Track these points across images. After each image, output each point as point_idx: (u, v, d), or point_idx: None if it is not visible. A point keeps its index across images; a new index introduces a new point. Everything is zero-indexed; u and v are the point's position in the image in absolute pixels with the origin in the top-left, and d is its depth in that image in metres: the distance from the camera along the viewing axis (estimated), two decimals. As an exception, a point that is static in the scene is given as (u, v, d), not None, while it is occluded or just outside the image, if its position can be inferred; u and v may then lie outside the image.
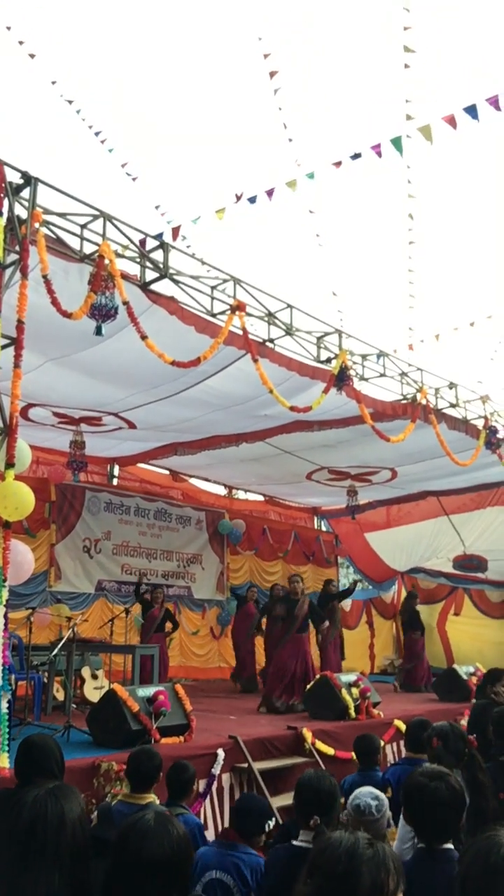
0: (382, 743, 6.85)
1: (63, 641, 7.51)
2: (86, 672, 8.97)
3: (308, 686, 8.76)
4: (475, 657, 12.41)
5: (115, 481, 12.69)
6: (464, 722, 7.21)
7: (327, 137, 8.73)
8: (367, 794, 3.64)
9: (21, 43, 7.85)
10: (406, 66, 7.28)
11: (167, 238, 7.03)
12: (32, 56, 7.92)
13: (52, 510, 11.12)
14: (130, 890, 1.82)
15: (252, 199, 8.46)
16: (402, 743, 6.96)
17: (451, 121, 7.26)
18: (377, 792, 3.67)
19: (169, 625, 10.61)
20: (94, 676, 9.01)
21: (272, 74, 7.54)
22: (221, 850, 3.47)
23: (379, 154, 7.54)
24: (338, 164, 7.97)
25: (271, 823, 3.71)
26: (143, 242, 6.20)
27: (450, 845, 2.57)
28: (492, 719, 4.37)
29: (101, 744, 6.06)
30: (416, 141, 7.93)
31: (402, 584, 17.34)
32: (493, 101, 7.14)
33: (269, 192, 8.33)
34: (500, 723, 4.27)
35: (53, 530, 11.09)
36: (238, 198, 8.52)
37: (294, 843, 3.15)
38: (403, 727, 7.58)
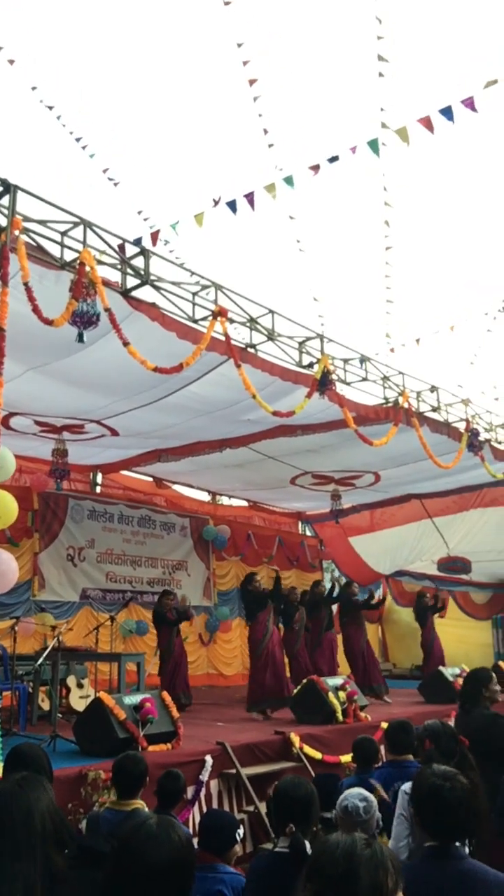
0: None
1: (48, 651, 7.47)
2: (71, 681, 8.92)
3: (295, 690, 8.77)
4: (461, 659, 12.46)
5: (98, 489, 12.64)
6: (450, 722, 7.25)
7: (307, 143, 8.79)
8: (355, 795, 3.65)
9: (-1, 49, 7.83)
10: (380, 74, 7.34)
11: (147, 244, 7.03)
12: (11, 62, 7.90)
13: (36, 519, 11.06)
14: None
15: (231, 204, 8.49)
16: (385, 745, 6.97)
17: (427, 123, 7.33)
18: (366, 793, 3.68)
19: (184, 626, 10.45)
20: (80, 685, 8.96)
21: (251, 82, 7.57)
22: (202, 873, 3.43)
23: (355, 159, 7.62)
24: (315, 167, 8.03)
25: (241, 833, 3.70)
26: (122, 247, 6.19)
27: (458, 843, 2.59)
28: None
29: (87, 753, 6.03)
30: (392, 148, 8.01)
31: (387, 586, 17.41)
32: (469, 103, 7.22)
33: (249, 197, 8.37)
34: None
35: (37, 539, 11.03)
36: (216, 202, 8.55)
37: (276, 849, 3.15)
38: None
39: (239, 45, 7.38)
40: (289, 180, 8.28)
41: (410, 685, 12.58)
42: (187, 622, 11.56)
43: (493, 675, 5.12)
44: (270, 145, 8.31)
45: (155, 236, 8.03)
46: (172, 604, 9.97)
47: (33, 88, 8.12)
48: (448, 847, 2.54)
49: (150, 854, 1.81)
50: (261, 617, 9.70)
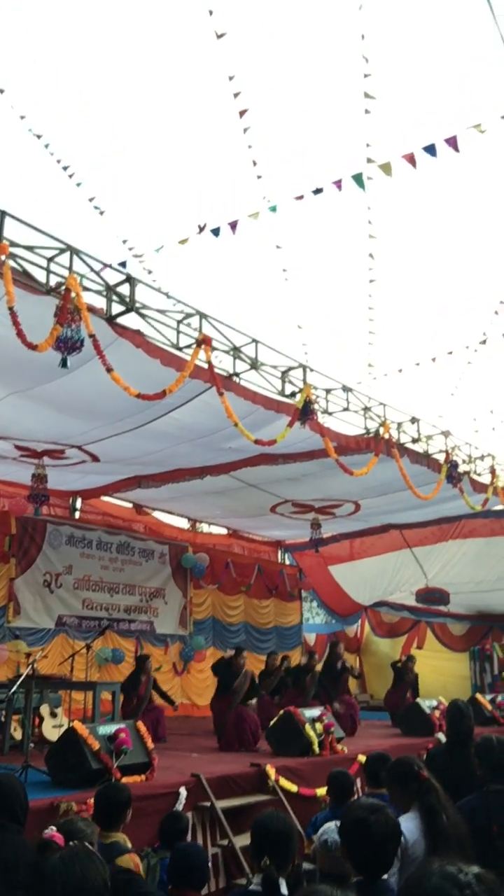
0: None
1: (22, 678, 7.34)
2: (44, 710, 8.77)
3: (272, 722, 8.68)
4: (438, 691, 12.43)
5: (77, 514, 12.55)
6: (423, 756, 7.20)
7: (294, 176, 8.92)
8: (334, 829, 3.61)
9: (-11, 78, 7.91)
10: (367, 111, 7.50)
11: (132, 270, 7.08)
12: (1, 91, 7.98)
13: (13, 544, 10.94)
14: None
15: (216, 232, 8.59)
16: (363, 778, 6.92)
17: (411, 159, 7.51)
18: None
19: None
20: (53, 714, 8.81)
21: (242, 113, 7.70)
22: None
23: (341, 192, 7.78)
24: (300, 197, 8.17)
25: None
26: (103, 267, 6.24)
27: (385, 876, 2.59)
28: (476, 748, 4.27)
29: (60, 783, 5.92)
30: (377, 183, 8.17)
31: (367, 618, 17.39)
32: (452, 142, 7.40)
33: (233, 225, 8.48)
34: (489, 750, 4.19)
35: (13, 564, 10.90)
36: (201, 229, 8.65)
37: (250, 888, 3.09)
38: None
39: (230, 78, 7.51)
40: (273, 209, 8.41)
41: (388, 717, 12.53)
42: (163, 651, 11.48)
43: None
44: (259, 177, 8.43)
45: (138, 258, 8.09)
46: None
47: (22, 117, 8.19)
48: (375, 882, 2.52)
49: (53, 886, 1.80)
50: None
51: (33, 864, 1.95)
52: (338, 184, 7.91)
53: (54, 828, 2.94)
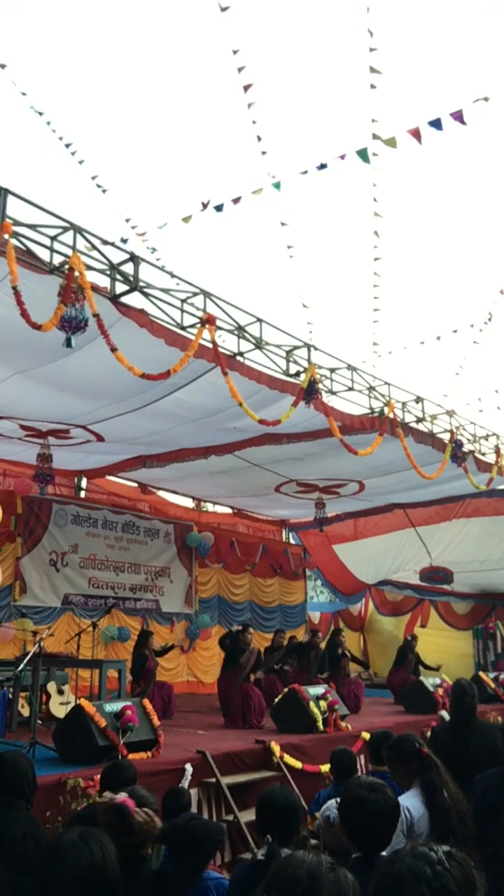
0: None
1: (29, 656, 7.41)
2: (51, 687, 8.85)
3: (276, 699, 8.76)
4: (442, 669, 12.50)
5: (82, 494, 12.58)
6: (429, 734, 7.26)
7: (299, 152, 8.84)
8: (335, 805, 3.64)
9: (-9, 54, 7.82)
10: (372, 86, 7.40)
11: (135, 248, 7.04)
12: (3, 66, 7.89)
13: (18, 523, 10.98)
14: None
15: (219, 208, 8.51)
16: (367, 755, 6.98)
17: (417, 134, 7.41)
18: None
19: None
20: (60, 692, 8.89)
21: (246, 88, 7.60)
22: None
23: (346, 168, 7.70)
24: (304, 172, 8.09)
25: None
26: (106, 244, 6.19)
27: (384, 852, 2.63)
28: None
29: (67, 760, 5.99)
30: (383, 159, 8.08)
31: (370, 596, 17.45)
32: (458, 116, 7.30)
33: (236, 201, 8.40)
34: None
35: (19, 543, 10.95)
36: (205, 206, 8.57)
37: (258, 857, 3.15)
38: (371, 739, 7.60)
39: (234, 52, 7.41)
40: (277, 185, 8.33)
41: (390, 695, 12.62)
42: (168, 630, 11.55)
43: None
44: (264, 152, 8.34)
45: (141, 236, 8.01)
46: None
47: (24, 94, 8.11)
48: (372, 858, 2.55)
49: (67, 865, 1.81)
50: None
51: (48, 843, 1.97)
52: (343, 158, 7.81)
53: (125, 794, 2.90)
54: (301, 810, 3.26)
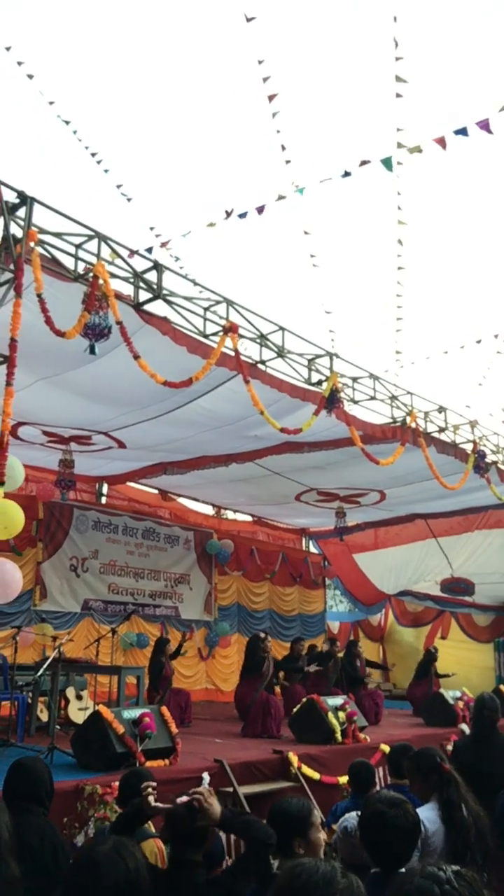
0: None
1: (48, 661, 7.44)
2: (70, 693, 8.87)
3: (295, 709, 8.71)
4: (461, 682, 12.37)
5: (103, 500, 12.64)
6: (449, 747, 7.19)
7: (323, 161, 8.84)
8: (354, 817, 3.61)
9: (20, 63, 7.92)
10: (398, 95, 7.39)
11: (159, 257, 7.07)
12: (31, 76, 7.99)
13: (40, 528, 11.05)
14: None
15: (243, 215, 8.53)
16: (387, 768, 6.92)
17: (442, 143, 7.38)
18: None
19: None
20: (79, 697, 8.91)
21: (271, 97, 7.63)
22: None
23: (371, 177, 7.69)
24: (328, 180, 8.09)
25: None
26: (131, 254, 6.23)
27: (402, 869, 2.58)
28: None
29: (85, 766, 5.99)
30: (408, 168, 8.06)
31: (391, 607, 17.33)
32: (484, 125, 7.27)
33: (260, 209, 8.42)
34: None
35: (40, 548, 11.02)
36: (228, 214, 8.60)
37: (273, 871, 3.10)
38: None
39: (260, 62, 7.44)
40: (300, 191, 8.34)
41: (409, 707, 12.51)
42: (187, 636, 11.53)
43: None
44: (288, 161, 8.36)
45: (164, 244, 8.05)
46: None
47: (51, 103, 8.20)
48: (390, 874, 2.52)
49: (102, 877, 1.81)
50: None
51: (82, 853, 1.98)
52: (367, 167, 7.81)
53: (185, 795, 2.90)
54: (307, 822, 3.18)
